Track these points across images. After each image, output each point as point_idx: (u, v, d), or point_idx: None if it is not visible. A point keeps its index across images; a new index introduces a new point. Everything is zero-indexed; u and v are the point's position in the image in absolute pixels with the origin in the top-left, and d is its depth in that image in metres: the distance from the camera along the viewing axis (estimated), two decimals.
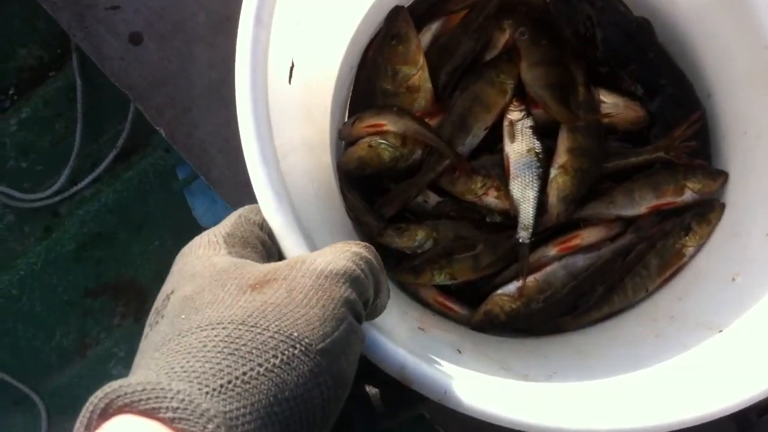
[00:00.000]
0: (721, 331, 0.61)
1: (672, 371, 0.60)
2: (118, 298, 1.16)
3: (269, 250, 0.50)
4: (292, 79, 0.66)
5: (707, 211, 0.77)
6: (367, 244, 0.48)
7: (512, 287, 0.80)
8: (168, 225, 1.18)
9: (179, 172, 1.14)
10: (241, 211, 0.51)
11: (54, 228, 1.18)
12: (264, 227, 0.51)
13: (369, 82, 0.85)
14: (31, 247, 1.18)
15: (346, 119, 0.87)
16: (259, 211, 0.51)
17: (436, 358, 0.57)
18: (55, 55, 1.23)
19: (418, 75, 0.84)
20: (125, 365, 1.13)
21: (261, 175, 0.53)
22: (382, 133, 0.82)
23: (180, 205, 1.16)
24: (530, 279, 0.79)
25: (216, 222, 1.05)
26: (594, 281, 0.80)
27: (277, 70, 0.61)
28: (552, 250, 0.81)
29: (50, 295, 1.17)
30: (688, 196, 0.78)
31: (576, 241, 0.80)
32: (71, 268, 1.17)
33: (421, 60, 0.83)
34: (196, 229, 1.09)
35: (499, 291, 0.80)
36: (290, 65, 0.65)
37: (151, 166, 1.19)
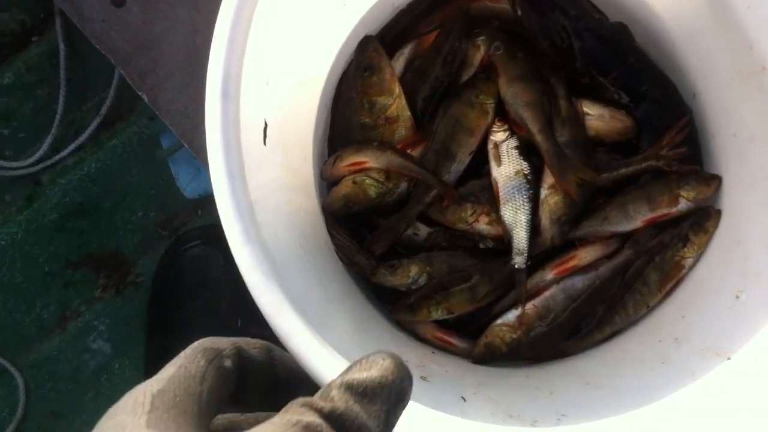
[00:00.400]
0: (729, 358, 0.59)
1: (682, 403, 0.59)
2: (99, 270, 1.15)
3: (208, 404, 0.40)
4: (266, 139, 0.64)
5: (703, 219, 0.75)
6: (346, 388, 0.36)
7: (511, 316, 0.78)
8: (152, 196, 1.16)
9: (163, 141, 1.12)
10: (189, 351, 0.42)
11: (35, 197, 1.17)
12: (213, 367, 0.42)
13: (345, 117, 0.83)
14: (12, 217, 1.16)
15: (326, 157, 0.85)
16: (210, 349, 0.43)
17: (441, 413, 0.56)
18: (38, 20, 1.19)
19: (396, 104, 0.82)
20: (105, 339, 1.13)
21: (246, 256, 0.53)
22: (366, 170, 0.80)
23: (164, 175, 1.14)
24: (529, 306, 0.78)
25: (201, 193, 1.05)
26: (594, 302, 0.78)
27: (250, 134, 0.60)
28: (549, 274, 0.79)
29: (31, 265, 1.15)
30: (683, 205, 0.76)
31: (573, 263, 0.79)
32: (53, 238, 1.15)
33: (397, 88, 0.82)
34: (180, 200, 1.12)
35: (499, 321, 0.79)
36: (263, 126, 0.63)
37: (135, 134, 1.17)
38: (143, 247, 1.13)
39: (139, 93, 0.92)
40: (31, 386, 1.12)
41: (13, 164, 1.15)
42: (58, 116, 1.14)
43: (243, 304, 1.01)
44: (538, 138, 0.78)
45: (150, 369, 1.02)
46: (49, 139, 1.14)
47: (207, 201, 1.12)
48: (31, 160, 1.15)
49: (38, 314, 1.13)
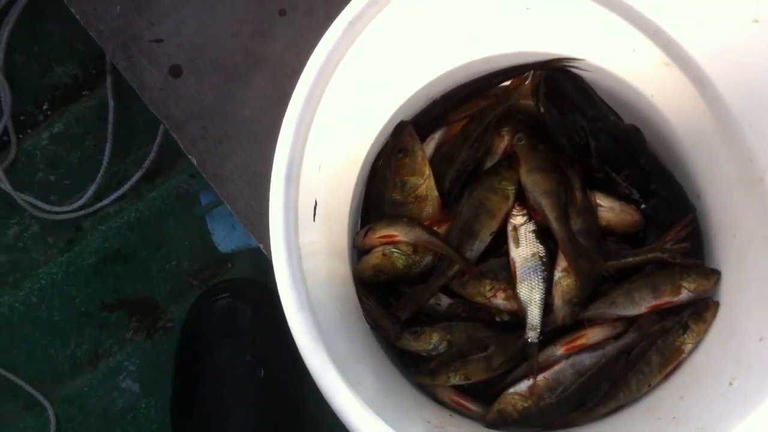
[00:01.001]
0: None
1: None
2: (132, 314, 1.21)
3: None
4: (315, 216, 0.72)
5: (702, 309, 0.82)
6: None
7: (523, 386, 0.84)
8: (186, 247, 1.23)
9: (202, 198, 1.18)
10: None
11: (76, 241, 1.24)
12: None
13: (379, 192, 0.91)
14: (53, 258, 1.23)
15: (358, 227, 0.92)
16: None
17: None
18: (90, 76, 1.29)
19: (425, 185, 0.89)
20: (134, 379, 1.18)
21: (299, 321, 0.61)
22: (395, 243, 0.87)
23: (200, 229, 1.21)
24: (540, 377, 0.84)
25: (234, 248, 1.11)
26: (600, 378, 0.84)
27: (303, 211, 0.67)
28: (560, 349, 0.85)
29: (68, 305, 1.21)
30: (684, 295, 0.83)
31: (582, 341, 0.85)
32: (90, 280, 1.22)
33: (427, 170, 0.89)
34: (212, 253, 1.19)
35: (511, 390, 0.84)
36: (314, 204, 0.71)
37: (175, 189, 1.24)
38: (175, 294, 1.19)
39: (190, 157, 0.98)
40: (61, 420, 1.17)
41: (57, 209, 1.23)
42: (103, 167, 1.21)
43: (267, 356, 1.07)
44: (554, 225, 0.85)
45: (175, 411, 1.07)
46: (93, 188, 1.21)
47: (238, 256, 1.18)
48: (74, 206, 1.22)
49: (72, 351, 1.19)
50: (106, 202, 1.22)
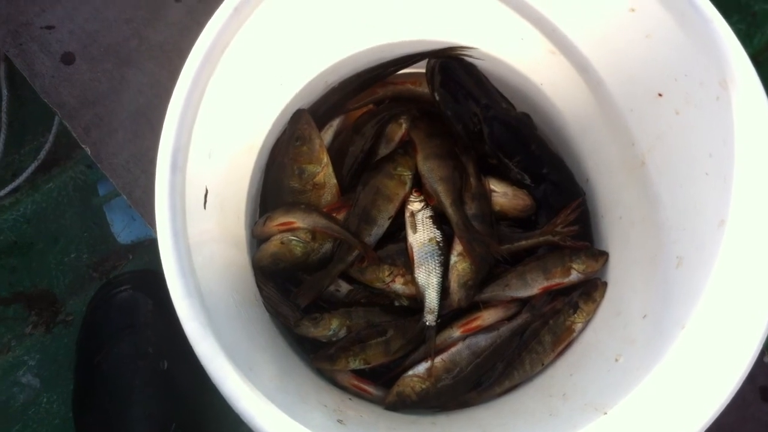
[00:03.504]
0: (605, 413, 0.68)
1: None
2: (31, 308, 1.17)
3: None
4: (207, 204, 0.71)
5: (591, 289, 0.85)
6: None
7: (422, 368, 0.86)
8: (85, 239, 1.19)
9: (100, 189, 1.16)
10: None
11: None
12: None
13: (277, 180, 0.91)
14: None
15: (257, 216, 0.92)
16: None
17: None
18: None
19: (323, 172, 0.90)
20: (34, 374, 1.14)
21: (185, 307, 0.60)
22: (293, 230, 0.87)
23: (98, 221, 1.18)
24: (438, 360, 0.85)
25: (133, 239, 1.09)
26: (495, 358, 0.86)
27: (192, 199, 0.66)
28: (456, 332, 0.87)
29: None
30: (573, 276, 0.86)
31: (477, 323, 0.87)
32: None
33: (325, 158, 0.89)
34: (112, 244, 1.17)
35: (410, 372, 0.86)
36: (204, 192, 0.70)
37: (72, 180, 1.20)
38: (74, 287, 1.16)
39: (83, 146, 0.96)
40: None
41: None
42: None
43: (169, 348, 1.05)
44: (449, 210, 0.87)
45: (77, 404, 1.05)
46: None
47: (138, 247, 1.16)
48: None
49: None
50: (1, 194, 1.18)
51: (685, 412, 0.61)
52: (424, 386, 0.85)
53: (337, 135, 0.95)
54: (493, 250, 0.87)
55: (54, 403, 1.13)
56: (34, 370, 1.14)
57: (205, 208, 0.70)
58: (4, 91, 1.17)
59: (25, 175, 1.18)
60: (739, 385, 0.60)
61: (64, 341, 1.14)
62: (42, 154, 1.18)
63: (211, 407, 1.07)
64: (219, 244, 0.76)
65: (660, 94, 0.72)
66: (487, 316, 0.87)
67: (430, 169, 0.89)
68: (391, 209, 0.89)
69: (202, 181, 0.69)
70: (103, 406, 1.02)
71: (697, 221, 0.70)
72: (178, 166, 0.62)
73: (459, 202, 0.87)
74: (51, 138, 1.17)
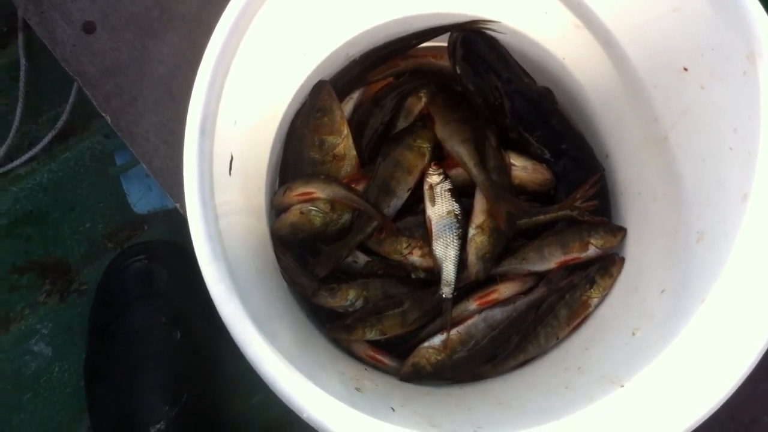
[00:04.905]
0: (622, 386, 0.69)
1: (581, 423, 0.68)
2: (45, 276, 1.18)
3: None
4: (231, 170, 0.71)
5: (609, 264, 0.85)
6: None
7: (437, 340, 0.86)
8: (101, 208, 1.19)
9: (117, 158, 1.16)
10: None
11: None
12: None
13: (297, 151, 0.91)
14: None
15: (277, 186, 0.92)
16: None
17: (373, 419, 0.63)
18: (1, 33, 1.24)
19: (343, 144, 0.90)
20: (47, 342, 1.15)
21: (213, 271, 0.60)
22: (312, 200, 0.88)
23: (114, 191, 1.18)
24: (453, 332, 0.86)
25: (150, 210, 1.10)
26: (511, 332, 0.87)
27: (219, 165, 0.67)
28: (472, 304, 0.88)
29: None
30: (591, 251, 0.86)
31: (494, 296, 0.87)
32: (1, 243, 1.18)
33: (346, 129, 0.90)
34: (128, 214, 1.18)
35: (426, 344, 0.86)
36: (230, 159, 0.71)
37: (89, 149, 1.21)
38: (89, 257, 1.17)
39: (104, 114, 0.96)
40: None
41: None
42: (14, 127, 1.17)
43: (183, 318, 1.06)
44: (474, 171, 0.87)
45: (88, 374, 1.06)
46: (3, 148, 1.17)
47: (154, 217, 1.17)
48: None
49: None
50: (17, 162, 1.18)
51: (703, 385, 0.62)
52: (439, 358, 0.85)
53: (357, 107, 0.95)
54: (519, 209, 0.87)
55: (66, 372, 1.13)
56: (47, 339, 1.15)
57: (230, 174, 0.71)
58: (23, 61, 1.17)
59: (41, 144, 1.18)
60: (759, 360, 0.61)
61: (77, 310, 1.15)
62: (59, 124, 1.18)
63: (222, 379, 1.07)
64: (241, 213, 0.77)
65: (685, 69, 0.72)
66: (504, 290, 0.88)
67: (451, 133, 0.89)
68: (411, 181, 0.89)
69: (227, 148, 0.69)
70: (114, 374, 1.02)
71: (720, 196, 0.70)
72: (206, 131, 0.63)
73: (482, 162, 0.87)
74: (68, 107, 1.17)
